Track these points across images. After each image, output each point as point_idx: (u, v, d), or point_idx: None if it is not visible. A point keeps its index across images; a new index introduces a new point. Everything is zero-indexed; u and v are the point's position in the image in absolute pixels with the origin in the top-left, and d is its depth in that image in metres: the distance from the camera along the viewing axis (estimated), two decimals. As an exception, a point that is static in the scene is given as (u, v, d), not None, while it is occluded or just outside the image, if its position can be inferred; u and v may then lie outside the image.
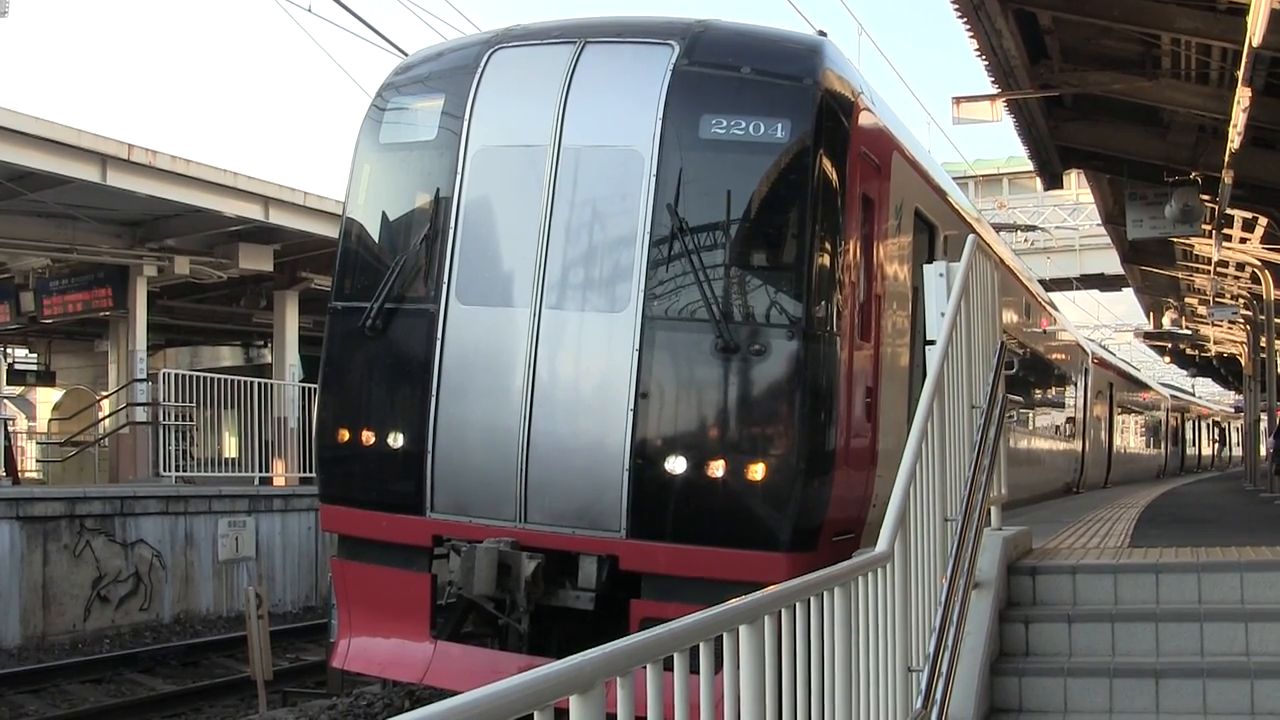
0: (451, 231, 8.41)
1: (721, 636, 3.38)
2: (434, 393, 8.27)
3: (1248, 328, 27.26)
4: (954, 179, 14.34)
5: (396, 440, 8.43)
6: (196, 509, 17.07)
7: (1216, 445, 58.90)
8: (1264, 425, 24.60)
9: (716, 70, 8.15)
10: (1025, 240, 36.77)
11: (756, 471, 7.64)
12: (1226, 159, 11.82)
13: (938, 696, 4.93)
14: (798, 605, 3.87)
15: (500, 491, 8.05)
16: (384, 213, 9.07)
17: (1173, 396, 43.52)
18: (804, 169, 7.89)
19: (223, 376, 20.57)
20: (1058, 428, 19.74)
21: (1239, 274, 22.85)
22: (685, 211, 7.87)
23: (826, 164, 7.94)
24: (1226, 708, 6.17)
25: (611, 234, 8.15)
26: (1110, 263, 31.28)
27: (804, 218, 7.88)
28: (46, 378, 29.59)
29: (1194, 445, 50.15)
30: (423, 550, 8.38)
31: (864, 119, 8.48)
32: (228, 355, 30.07)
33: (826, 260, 7.94)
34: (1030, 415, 16.61)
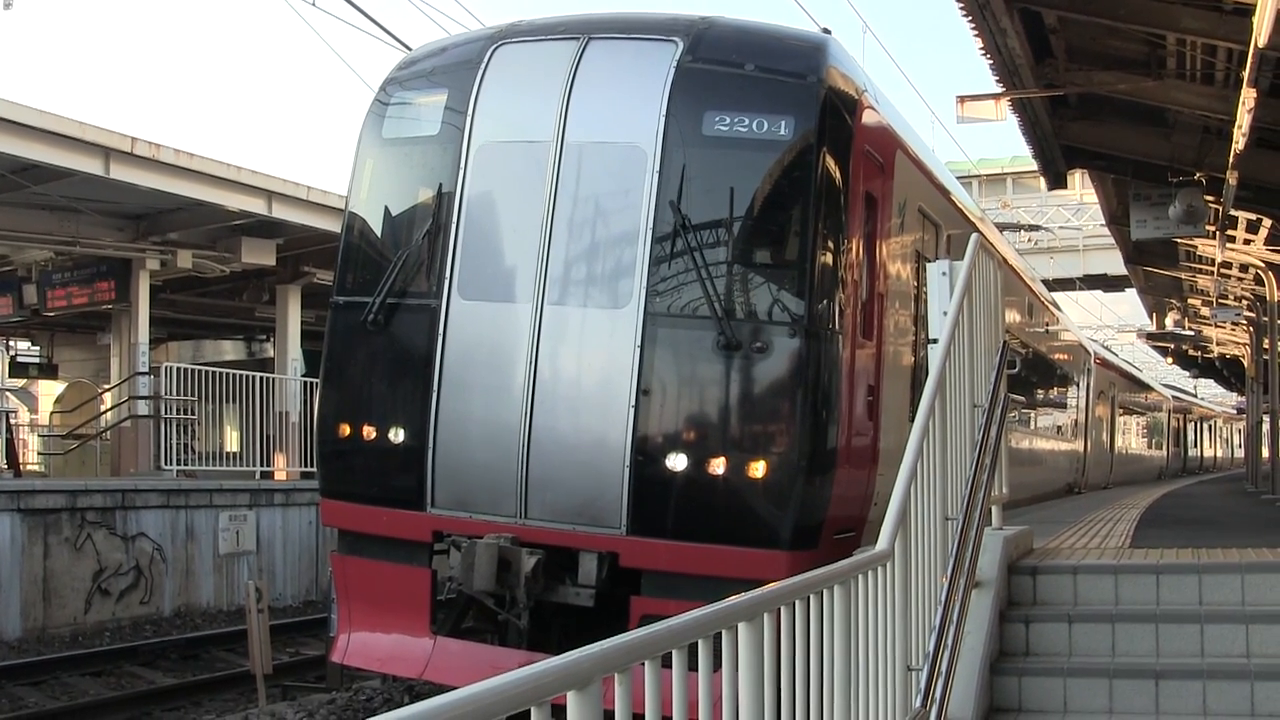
0: (454, 227, 8.40)
1: (720, 634, 3.37)
2: (435, 388, 8.26)
3: (1251, 329, 27.20)
4: (958, 178, 14.33)
5: (397, 435, 8.43)
6: (197, 503, 17.08)
7: (1219, 447, 58.84)
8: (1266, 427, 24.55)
9: (720, 67, 8.14)
10: (1029, 240, 36.75)
11: (758, 469, 7.64)
12: (1231, 160, 11.79)
13: (937, 695, 4.92)
14: (797, 603, 3.86)
15: (501, 487, 8.04)
16: (387, 207, 9.07)
17: (1175, 398, 43.50)
18: (807, 166, 7.88)
19: (225, 370, 20.59)
20: (1060, 428, 19.73)
21: (1242, 275, 22.78)
22: (688, 208, 7.87)
23: (830, 162, 7.93)
24: (1227, 709, 6.16)
25: (614, 230, 8.15)
26: (1114, 263, 31.24)
27: (807, 215, 7.87)
28: (49, 370, 29.60)
29: (1195, 447, 50.13)
30: (423, 546, 8.38)
31: (868, 117, 8.46)
32: (230, 349, 30.05)
33: (829, 258, 7.93)
34: (1032, 415, 16.60)
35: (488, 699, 2.23)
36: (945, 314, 6.55)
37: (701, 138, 7.95)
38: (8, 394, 21.83)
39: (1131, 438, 32.47)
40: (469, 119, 8.50)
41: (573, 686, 2.53)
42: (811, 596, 3.98)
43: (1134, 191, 15.64)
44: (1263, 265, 20.25)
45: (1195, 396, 56.00)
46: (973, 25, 10.74)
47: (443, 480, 8.25)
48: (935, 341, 6.50)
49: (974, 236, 7.44)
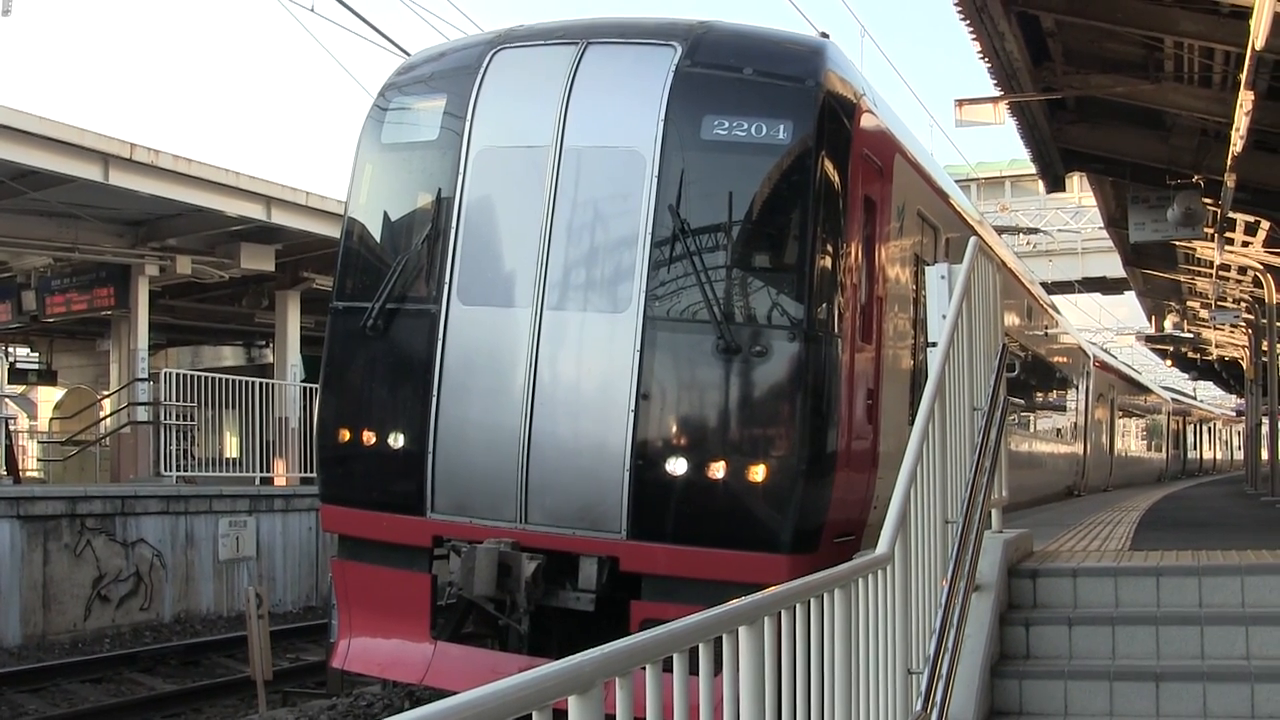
0: (453, 232, 8.41)
1: (721, 638, 3.38)
2: (435, 393, 8.26)
3: (1249, 331, 27.20)
4: (956, 181, 14.34)
5: (397, 440, 8.43)
6: (197, 509, 17.08)
7: (1219, 449, 58.84)
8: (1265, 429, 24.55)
9: (719, 71, 8.15)
10: (1027, 243, 36.77)
11: (757, 473, 7.64)
12: (1229, 162, 11.80)
13: (938, 699, 4.93)
14: (798, 607, 3.87)
15: (501, 492, 8.04)
16: (386, 213, 9.07)
17: (1174, 400, 43.51)
18: (806, 170, 7.89)
19: (224, 376, 20.58)
20: (1059, 431, 19.74)
21: (1241, 278, 22.81)
22: (687, 213, 7.87)
23: (828, 166, 7.94)
24: (1227, 711, 6.16)
25: (613, 235, 8.15)
26: (1112, 266, 31.29)
27: (806, 219, 7.88)
28: (48, 377, 29.57)
29: (1195, 449, 50.14)
30: (423, 551, 8.37)
31: (866, 121, 8.47)
32: (229, 355, 30.05)
33: (828, 262, 7.94)
34: (1032, 418, 16.60)
35: (490, 703, 2.24)
36: (944, 317, 6.57)
37: (700, 142, 7.95)
38: (7, 400, 21.80)
39: (1131, 440, 32.47)
40: (468, 124, 8.50)
41: (574, 691, 2.54)
42: (812, 600, 3.99)
43: (1132, 194, 15.65)
44: (1261, 267, 20.26)
45: (1194, 399, 56.01)
46: (971, 29, 10.75)
47: (443, 485, 8.25)
48: (934, 345, 6.51)
49: (972, 240, 7.45)
